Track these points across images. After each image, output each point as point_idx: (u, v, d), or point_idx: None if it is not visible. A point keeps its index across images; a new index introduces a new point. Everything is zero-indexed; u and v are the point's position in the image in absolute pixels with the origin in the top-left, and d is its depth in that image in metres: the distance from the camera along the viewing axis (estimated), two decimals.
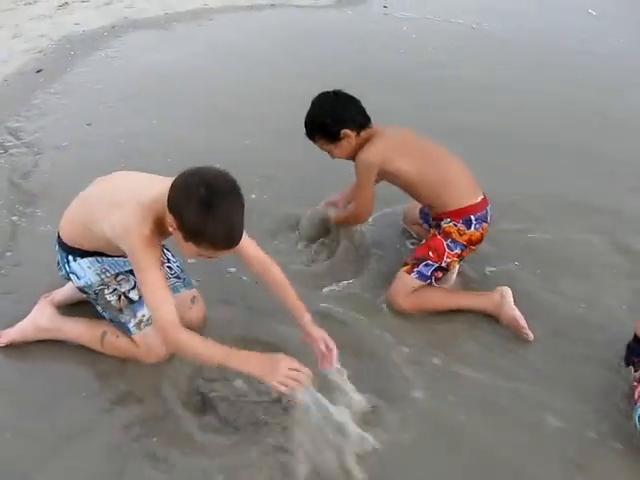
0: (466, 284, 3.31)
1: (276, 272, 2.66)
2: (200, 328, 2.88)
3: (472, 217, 3.04)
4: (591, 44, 7.76)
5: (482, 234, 3.10)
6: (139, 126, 5.07)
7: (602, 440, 2.50)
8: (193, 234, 2.20)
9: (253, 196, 3.92)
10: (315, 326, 2.56)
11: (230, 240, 2.25)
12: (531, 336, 2.94)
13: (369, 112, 3.16)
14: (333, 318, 3.08)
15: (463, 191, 3.08)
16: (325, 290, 3.26)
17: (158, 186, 2.40)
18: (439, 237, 3.08)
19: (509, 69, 6.79)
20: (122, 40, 7.18)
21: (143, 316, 2.68)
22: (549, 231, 3.82)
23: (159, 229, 2.38)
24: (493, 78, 6.47)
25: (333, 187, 3.75)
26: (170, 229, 2.29)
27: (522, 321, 2.95)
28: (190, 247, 2.25)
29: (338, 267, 3.43)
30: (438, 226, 3.11)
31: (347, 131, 3.06)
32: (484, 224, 3.09)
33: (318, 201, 3.69)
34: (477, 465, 2.39)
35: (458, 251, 3.07)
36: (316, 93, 3.19)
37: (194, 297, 2.92)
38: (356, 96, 3.18)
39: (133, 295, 2.71)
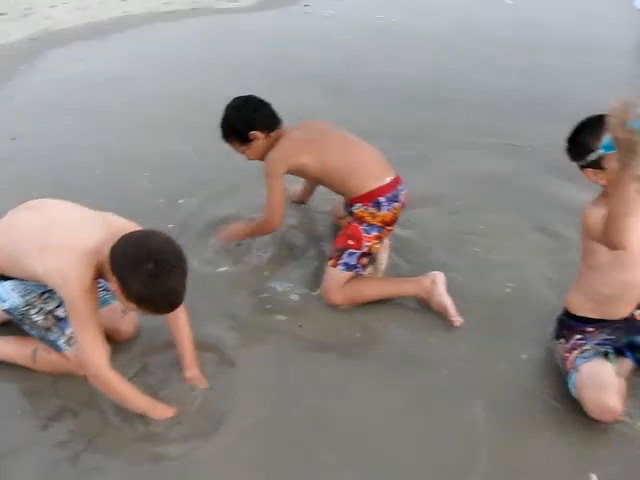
0: (397, 275, 3.36)
1: (182, 323, 2.72)
2: (131, 338, 2.91)
3: (380, 199, 3.11)
4: (508, 32, 7.97)
5: (395, 214, 3.17)
6: (65, 139, 5.00)
7: (534, 414, 2.60)
8: (137, 300, 2.26)
9: (181, 201, 3.92)
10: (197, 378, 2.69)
11: (172, 307, 2.33)
12: (459, 321, 3.01)
13: (290, 111, 3.25)
14: (267, 314, 3.12)
15: (369, 175, 3.15)
16: (257, 289, 3.29)
17: (97, 232, 2.42)
18: (354, 224, 3.15)
19: (431, 62, 6.90)
20: (43, 52, 7.06)
21: (72, 332, 2.65)
22: (471, 213, 3.94)
23: (98, 275, 2.40)
24: (417, 71, 6.57)
25: (260, 191, 3.76)
26: (111, 283, 2.33)
27: (451, 307, 3.02)
28: (130, 304, 2.30)
29: (270, 266, 3.45)
30: (352, 213, 3.18)
31: (256, 133, 3.20)
32: (395, 204, 3.14)
33: (246, 204, 3.72)
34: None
35: (375, 233, 3.13)
36: (230, 97, 3.31)
37: (124, 308, 2.91)
38: (276, 96, 3.31)
39: (60, 312, 2.69)
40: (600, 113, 2.30)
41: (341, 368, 2.81)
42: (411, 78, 6.35)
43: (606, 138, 2.33)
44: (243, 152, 3.32)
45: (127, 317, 2.89)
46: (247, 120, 3.21)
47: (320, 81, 6.21)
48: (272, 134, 3.24)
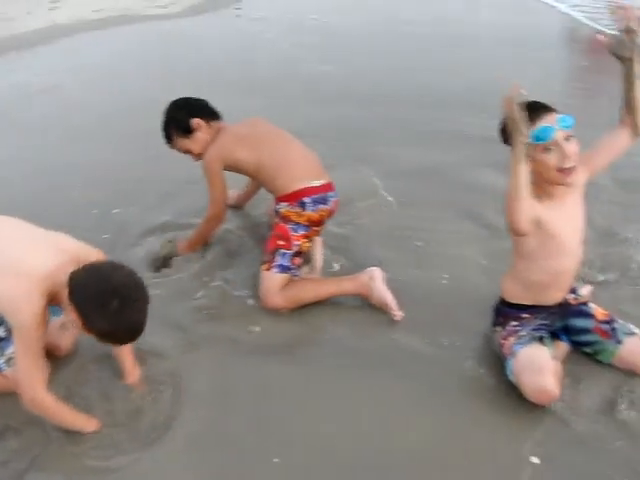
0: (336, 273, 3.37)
1: None
2: (70, 353, 2.86)
3: (305, 199, 3.12)
4: (438, 29, 8.09)
5: (322, 216, 3.18)
6: None
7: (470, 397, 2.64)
8: (99, 335, 2.26)
9: (115, 211, 3.87)
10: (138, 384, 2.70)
11: (134, 339, 2.35)
12: (400, 315, 3.03)
13: (225, 113, 3.32)
14: (209, 320, 3.10)
15: (297, 174, 3.17)
16: (198, 295, 3.26)
17: (51, 258, 2.36)
18: (281, 223, 3.16)
19: (363, 60, 6.96)
20: None
21: (12, 353, 2.58)
22: (407, 208, 3.98)
23: (50, 301, 2.35)
24: (350, 70, 6.61)
25: (195, 197, 3.77)
26: (67, 312, 2.32)
27: (391, 302, 3.04)
28: (89, 334, 2.29)
29: (210, 271, 3.42)
30: (278, 212, 3.19)
31: (198, 120, 3.26)
32: (321, 206, 3.16)
33: (179, 210, 3.69)
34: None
35: (303, 232, 3.14)
36: (166, 102, 3.34)
37: (63, 324, 2.86)
38: (210, 100, 3.37)
39: (0, 332, 2.64)
40: (534, 100, 2.38)
41: (287, 370, 2.80)
42: (344, 77, 6.40)
43: (538, 128, 2.41)
44: (188, 150, 3.34)
45: (66, 333, 2.84)
46: (188, 108, 3.29)
47: (253, 83, 6.21)
48: (213, 124, 3.30)
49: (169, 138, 3.36)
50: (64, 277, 2.28)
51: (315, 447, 2.42)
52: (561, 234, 2.55)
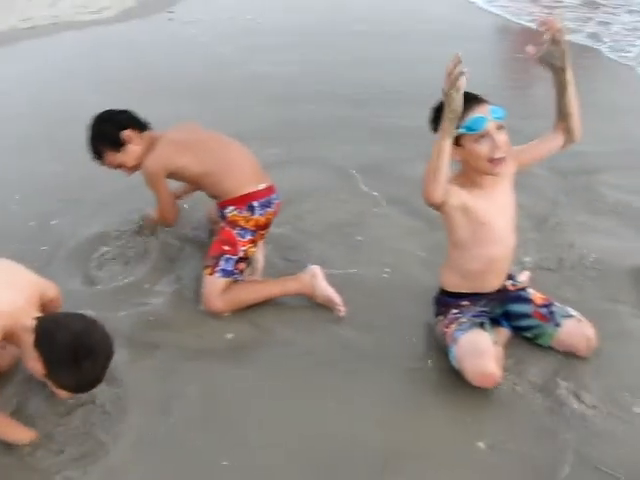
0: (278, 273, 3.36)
1: None
2: (10, 372, 2.78)
3: (254, 203, 3.12)
4: (371, 27, 8.16)
5: (268, 219, 3.19)
6: None
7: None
8: (58, 385, 2.33)
9: (54, 222, 3.81)
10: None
11: (91, 388, 2.40)
12: (344, 311, 3.04)
13: (158, 119, 3.29)
14: (151, 327, 3.06)
15: (244, 179, 3.16)
16: (138, 302, 3.22)
17: (11, 296, 2.33)
18: (227, 228, 3.14)
19: (299, 59, 6.98)
20: None
21: None
22: (345, 204, 4.00)
23: (3, 338, 2.32)
24: (286, 69, 6.62)
25: (138, 204, 3.76)
26: (27, 357, 2.33)
27: (335, 297, 3.05)
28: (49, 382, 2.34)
29: (150, 278, 3.38)
30: (224, 217, 3.17)
31: (128, 132, 3.18)
32: (268, 209, 3.16)
33: (118, 220, 3.66)
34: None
35: (250, 237, 3.13)
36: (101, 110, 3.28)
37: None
38: (143, 105, 3.39)
39: None
40: (467, 92, 2.41)
41: (235, 373, 2.78)
42: (283, 77, 6.41)
43: (470, 118, 2.48)
44: (120, 165, 3.25)
45: (6, 352, 2.77)
46: (116, 122, 3.19)
47: (190, 88, 6.17)
48: (145, 134, 3.22)
49: (99, 154, 3.25)
50: (27, 321, 2.28)
51: (264, 448, 2.42)
52: (491, 222, 2.62)
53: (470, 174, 2.58)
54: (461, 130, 2.49)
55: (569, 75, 2.57)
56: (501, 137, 2.49)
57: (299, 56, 7.06)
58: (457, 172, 2.64)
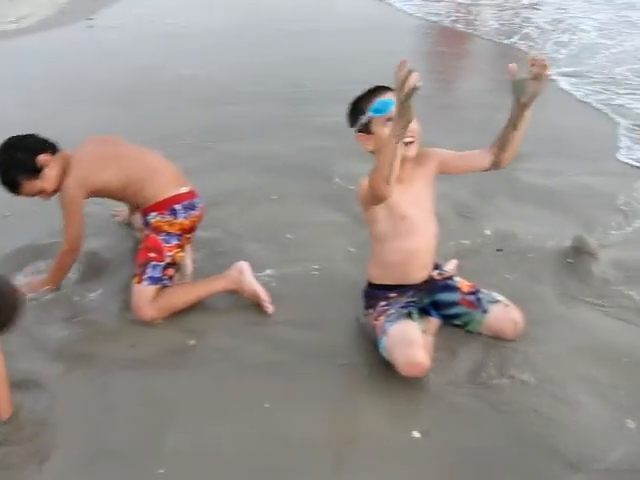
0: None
1: None
2: None
3: (176, 206, 3.10)
4: (297, 25, 8.18)
5: (193, 222, 3.17)
6: None
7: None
8: None
9: None
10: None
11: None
12: (271, 308, 3.04)
13: (82, 129, 3.18)
14: (84, 339, 3.01)
15: (165, 184, 3.14)
16: (70, 315, 3.14)
17: None
18: (152, 235, 3.11)
19: (223, 60, 6.95)
20: None
21: None
22: (273, 203, 4.03)
23: None
24: (209, 71, 6.59)
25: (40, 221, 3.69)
26: None
27: (263, 294, 3.05)
28: None
29: (81, 290, 3.31)
30: (148, 224, 3.14)
31: (43, 156, 3.06)
32: (192, 212, 3.15)
33: (50, 232, 3.58)
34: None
35: (175, 242, 3.11)
36: (25, 121, 3.15)
37: None
38: (65, 115, 3.27)
39: None
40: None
41: (168, 380, 2.74)
42: (206, 78, 6.38)
43: (376, 101, 2.52)
44: (39, 191, 3.11)
45: None
46: (28, 148, 3.06)
47: (113, 93, 6.10)
48: (58, 156, 3.11)
49: (15, 185, 3.09)
50: None
51: (201, 454, 2.39)
52: (411, 215, 2.67)
53: None
54: (369, 114, 2.57)
55: (528, 113, 2.58)
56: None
57: (225, 58, 7.04)
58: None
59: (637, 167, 4.73)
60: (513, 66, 2.52)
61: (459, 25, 8.96)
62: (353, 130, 2.73)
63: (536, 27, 8.83)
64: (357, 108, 2.68)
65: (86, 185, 3.05)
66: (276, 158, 4.62)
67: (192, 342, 2.96)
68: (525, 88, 2.49)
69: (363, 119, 2.64)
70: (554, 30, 8.65)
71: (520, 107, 2.55)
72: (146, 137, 3.43)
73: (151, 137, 3.36)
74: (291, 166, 4.49)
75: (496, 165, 2.75)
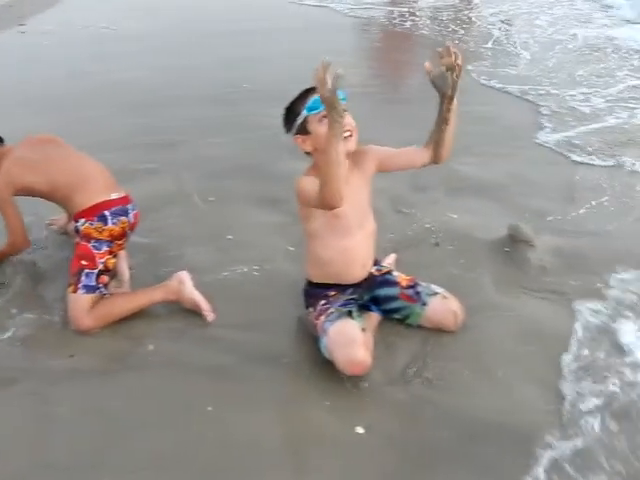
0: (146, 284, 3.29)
1: None
2: None
3: (106, 212, 3.06)
4: (225, 25, 8.15)
5: (123, 228, 3.12)
6: None
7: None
8: None
9: None
10: None
11: None
12: (212, 316, 3.02)
13: (18, 134, 3.19)
14: (20, 351, 2.94)
15: (95, 190, 3.09)
16: (5, 327, 3.07)
17: None
18: (82, 242, 3.07)
19: (157, 63, 6.89)
20: None
21: None
22: (209, 203, 4.01)
23: None
24: (144, 74, 6.53)
25: None
26: None
27: (203, 303, 3.03)
28: None
29: (17, 302, 3.23)
30: (78, 231, 3.10)
31: None
32: (122, 218, 3.10)
33: None
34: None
35: (106, 248, 3.07)
36: None
37: None
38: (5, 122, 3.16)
39: None
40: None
41: (110, 389, 2.70)
42: (140, 82, 6.31)
43: (310, 100, 2.54)
44: None
45: None
46: None
47: (46, 98, 6.00)
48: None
49: None
50: None
51: (145, 461, 2.37)
52: (346, 214, 2.66)
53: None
54: (304, 113, 2.58)
55: (454, 105, 2.60)
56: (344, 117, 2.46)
57: (158, 61, 6.97)
58: (312, 164, 2.68)
59: (565, 155, 4.84)
60: (427, 64, 2.55)
61: (396, 21, 9.05)
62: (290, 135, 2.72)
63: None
64: (292, 111, 2.67)
65: (13, 184, 3.04)
66: (214, 160, 4.60)
67: (133, 349, 2.93)
68: (444, 81, 2.52)
69: (299, 120, 2.62)
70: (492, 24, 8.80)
71: (446, 101, 2.58)
72: (80, 143, 3.35)
73: (86, 143, 3.30)
74: (229, 167, 4.47)
75: (435, 161, 2.78)
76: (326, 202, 2.45)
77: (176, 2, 9.49)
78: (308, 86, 2.57)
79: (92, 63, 7.02)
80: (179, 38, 7.75)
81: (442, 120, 2.65)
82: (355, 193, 2.70)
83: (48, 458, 2.40)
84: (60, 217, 3.65)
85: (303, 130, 2.63)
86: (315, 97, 2.51)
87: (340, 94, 2.44)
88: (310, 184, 2.51)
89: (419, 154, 2.79)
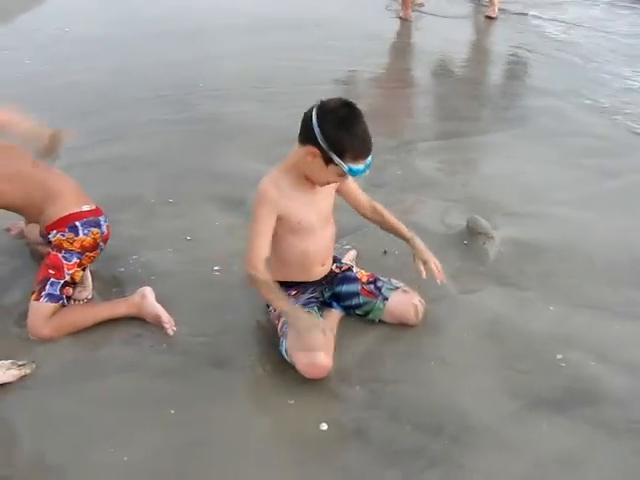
0: (107, 291, 3.28)
1: None
2: None
3: (77, 223, 3.03)
4: (174, 24, 8.12)
5: (95, 239, 3.08)
6: None
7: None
8: None
9: None
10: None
11: None
12: (172, 330, 2.97)
13: None
14: None
15: (66, 200, 3.05)
16: None
17: None
18: (53, 252, 3.03)
19: (109, 65, 6.80)
20: None
21: None
22: (168, 204, 4.00)
23: None
24: (96, 77, 6.44)
25: None
26: None
27: (165, 316, 2.99)
28: None
29: None
30: (50, 242, 3.06)
31: None
32: (93, 229, 3.07)
33: None
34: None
35: (76, 260, 3.03)
36: None
37: None
38: None
39: None
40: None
41: (68, 399, 2.67)
42: (94, 84, 6.21)
43: (358, 165, 2.48)
44: None
45: None
46: None
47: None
48: None
49: None
50: None
51: (112, 467, 2.34)
52: (308, 221, 2.69)
53: (301, 175, 2.64)
54: (343, 165, 2.45)
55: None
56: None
57: (111, 62, 6.87)
58: (289, 164, 2.67)
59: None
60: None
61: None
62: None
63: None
64: (338, 140, 2.44)
65: None
66: (172, 161, 4.55)
67: (94, 355, 2.89)
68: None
69: (335, 159, 2.44)
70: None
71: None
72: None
73: None
74: (188, 169, 4.43)
75: (365, 217, 3.02)
76: (245, 258, 2.64)
77: (132, 3, 9.36)
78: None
79: (44, 65, 6.89)
80: (130, 39, 7.59)
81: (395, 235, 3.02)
82: (318, 203, 2.73)
83: (3, 472, 2.36)
84: (18, 222, 3.59)
85: (326, 159, 2.47)
86: (358, 168, 2.48)
87: (370, 165, 2.52)
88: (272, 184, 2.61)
89: (365, 205, 2.98)
